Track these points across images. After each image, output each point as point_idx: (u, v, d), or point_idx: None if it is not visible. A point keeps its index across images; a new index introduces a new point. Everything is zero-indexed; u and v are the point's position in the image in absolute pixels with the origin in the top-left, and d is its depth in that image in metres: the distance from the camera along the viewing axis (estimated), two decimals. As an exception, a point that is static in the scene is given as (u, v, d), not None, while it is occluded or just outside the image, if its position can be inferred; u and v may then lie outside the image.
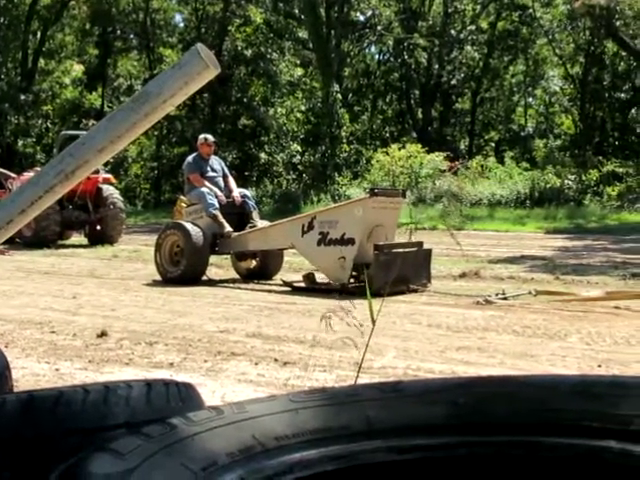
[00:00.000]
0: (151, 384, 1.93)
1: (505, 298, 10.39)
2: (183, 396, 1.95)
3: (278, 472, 1.62)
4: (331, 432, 1.74)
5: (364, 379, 5.58)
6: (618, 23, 37.73)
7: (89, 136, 2.55)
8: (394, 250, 11.32)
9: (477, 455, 1.77)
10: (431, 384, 2.11)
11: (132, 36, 48.67)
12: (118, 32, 48.49)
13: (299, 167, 41.67)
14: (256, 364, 6.80)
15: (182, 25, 48.20)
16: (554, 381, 2.04)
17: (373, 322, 3.52)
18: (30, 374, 6.38)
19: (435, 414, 1.81)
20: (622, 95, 43.58)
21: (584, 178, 34.49)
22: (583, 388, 1.85)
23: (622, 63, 42.77)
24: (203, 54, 2.36)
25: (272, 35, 44.27)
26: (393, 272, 10.80)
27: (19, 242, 19.21)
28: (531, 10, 45.48)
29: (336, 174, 36.53)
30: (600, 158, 37.84)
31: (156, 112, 2.44)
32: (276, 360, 6.90)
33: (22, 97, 41.62)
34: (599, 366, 6.60)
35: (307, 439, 1.71)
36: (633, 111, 44.62)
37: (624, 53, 40.76)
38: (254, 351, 7.31)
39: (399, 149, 34.32)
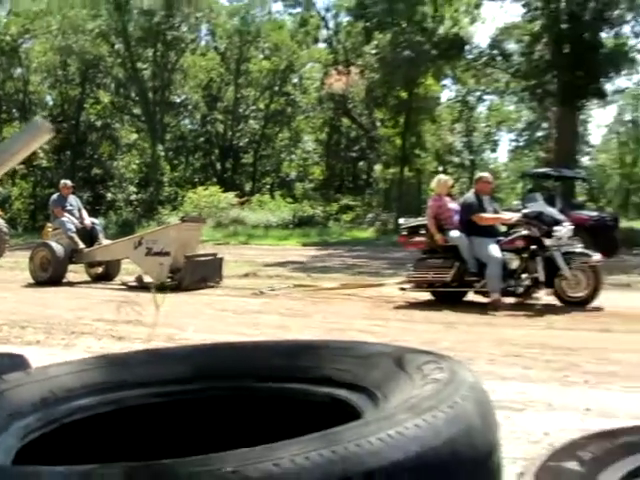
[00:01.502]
0: (-9, 356, 1.87)
1: (273, 290, 10.52)
2: (15, 364, 1.88)
3: (65, 414, 1.60)
4: (109, 385, 1.72)
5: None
6: (350, 105, 38.90)
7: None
8: (197, 259, 11.28)
9: (215, 396, 1.80)
10: (183, 349, 2.11)
11: (14, 110, 46.56)
12: (4, 107, 46.30)
13: (134, 203, 40.85)
14: (99, 340, 6.63)
15: (51, 103, 46.35)
16: (266, 345, 2.09)
17: (157, 307, 3.51)
18: None
19: (184, 369, 1.82)
20: (353, 154, 44.89)
21: (328, 208, 35.61)
22: (285, 349, 1.90)
23: (353, 132, 44.11)
24: (40, 123, 2.31)
25: (115, 111, 43.61)
26: (197, 274, 10.85)
27: None
28: (293, 96, 46.21)
29: (160, 207, 36.19)
30: (339, 195, 39.20)
31: (6, 163, 2.37)
32: (113, 336, 6.75)
33: None
34: (332, 332, 6.76)
35: (90, 390, 1.69)
36: (360, 164, 45.98)
37: (354, 125, 42.12)
38: (98, 331, 7.11)
39: (204, 190, 34.22)
